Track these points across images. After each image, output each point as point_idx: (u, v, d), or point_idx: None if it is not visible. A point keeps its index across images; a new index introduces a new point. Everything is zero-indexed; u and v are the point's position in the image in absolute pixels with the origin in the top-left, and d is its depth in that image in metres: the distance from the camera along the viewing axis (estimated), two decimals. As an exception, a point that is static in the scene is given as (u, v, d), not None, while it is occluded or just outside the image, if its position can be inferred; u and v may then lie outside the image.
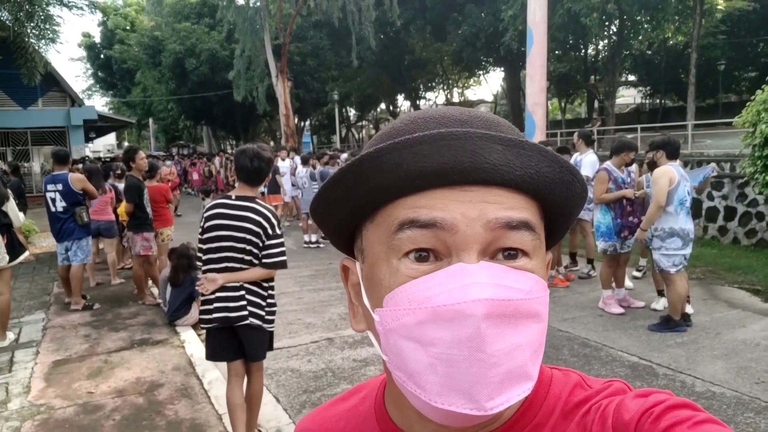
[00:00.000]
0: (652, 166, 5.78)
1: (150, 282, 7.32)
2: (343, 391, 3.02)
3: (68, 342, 5.55)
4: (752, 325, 5.64)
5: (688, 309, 5.97)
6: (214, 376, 4.52)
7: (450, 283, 0.49)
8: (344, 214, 0.58)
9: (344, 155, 13.65)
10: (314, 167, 11.40)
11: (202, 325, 3.39)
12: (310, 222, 11.11)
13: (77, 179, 6.63)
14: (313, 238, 11.13)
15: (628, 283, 6.80)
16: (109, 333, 5.82)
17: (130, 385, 4.48)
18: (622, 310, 6.08)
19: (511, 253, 0.52)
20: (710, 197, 10.17)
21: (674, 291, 5.46)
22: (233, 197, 3.29)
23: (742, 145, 7.65)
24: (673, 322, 5.51)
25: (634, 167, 6.75)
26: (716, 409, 3.93)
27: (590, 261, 7.63)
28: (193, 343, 5.40)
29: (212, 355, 3.43)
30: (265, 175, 3.37)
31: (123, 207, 6.83)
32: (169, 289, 6.37)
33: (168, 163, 21.65)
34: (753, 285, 7.15)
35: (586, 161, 7.91)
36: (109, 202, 8.05)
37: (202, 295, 3.29)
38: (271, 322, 3.38)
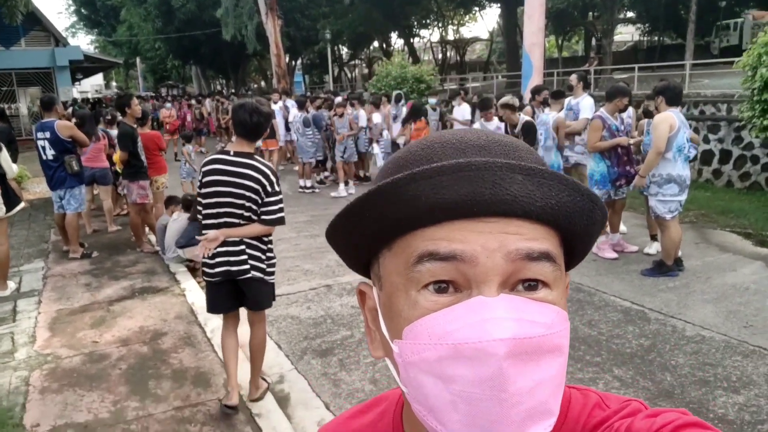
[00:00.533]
0: (648, 114, 5.73)
1: (147, 229, 7.34)
2: (343, 338, 3.10)
3: (69, 291, 5.61)
4: (742, 269, 5.76)
5: (649, 250, 6.12)
6: (216, 324, 4.59)
7: (470, 317, 0.49)
8: (361, 243, 0.57)
9: (339, 98, 13.39)
10: (308, 111, 11.23)
11: (205, 278, 3.43)
12: (305, 167, 11.07)
13: (64, 126, 6.50)
14: (308, 183, 11.10)
15: (622, 227, 6.87)
16: (109, 281, 5.88)
17: (134, 334, 4.57)
18: (615, 255, 6.18)
19: (531, 284, 0.52)
20: (706, 140, 10.15)
21: (668, 236, 5.54)
22: (231, 153, 3.26)
23: (742, 87, 7.58)
24: (665, 267, 5.62)
25: (630, 112, 6.69)
26: (705, 352, 4.07)
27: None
28: (194, 291, 5.48)
29: (212, 307, 3.49)
30: (264, 130, 3.33)
31: (118, 155, 6.74)
32: (168, 234, 6.41)
33: (168, 105, 21.20)
34: (744, 228, 7.25)
35: (585, 104, 7.82)
36: (103, 148, 7.96)
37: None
38: (272, 274, 3.44)
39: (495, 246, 0.50)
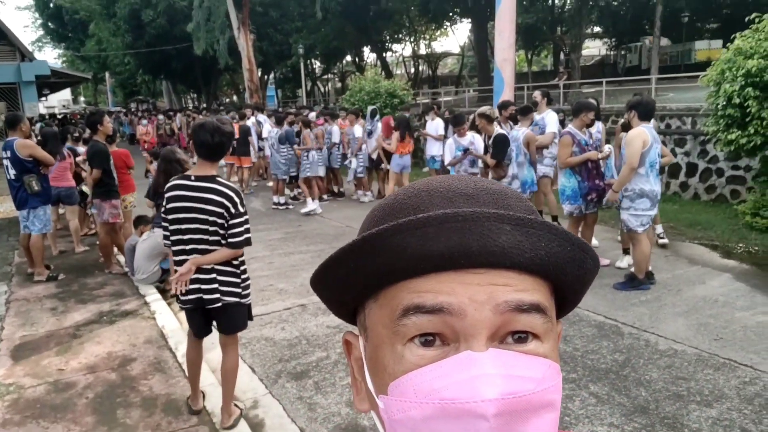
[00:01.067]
0: (627, 127, 5.84)
1: (115, 250, 7.17)
2: (318, 359, 3.05)
3: (34, 316, 5.43)
4: (711, 282, 5.86)
5: (624, 263, 6.24)
6: (188, 348, 4.49)
7: (458, 374, 0.47)
8: (345, 294, 0.56)
9: (312, 114, 13.34)
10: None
11: (181, 306, 3.38)
12: (280, 183, 10.98)
13: (23, 145, 6.30)
14: (282, 200, 11.01)
15: (594, 241, 6.96)
16: (76, 305, 5.70)
17: (102, 360, 4.43)
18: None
19: (521, 336, 0.50)
20: (673, 153, 10.36)
21: (640, 250, 5.62)
22: (192, 178, 3.21)
23: (706, 102, 7.77)
24: (637, 281, 5.69)
25: (599, 126, 6.81)
26: (678, 366, 4.11)
27: (555, 218, 7.74)
28: (164, 314, 5.34)
29: (198, 333, 3.49)
30: (226, 149, 3.29)
31: (90, 173, 6.56)
32: (137, 254, 6.26)
33: (144, 122, 20.37)
34: (711, 240, 7.40)
35: (550, 119, 7.97)
36: (69, 167, 7.77)
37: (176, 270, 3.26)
38: (248, 295, 3.40)
39: (483, 298, 0.48)
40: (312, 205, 10.28)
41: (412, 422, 0.48)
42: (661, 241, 7.04)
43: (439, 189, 0.54)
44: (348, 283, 0.54)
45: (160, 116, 21.50)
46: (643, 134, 5.40)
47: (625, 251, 6.40)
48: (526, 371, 0.48)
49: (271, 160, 11.23)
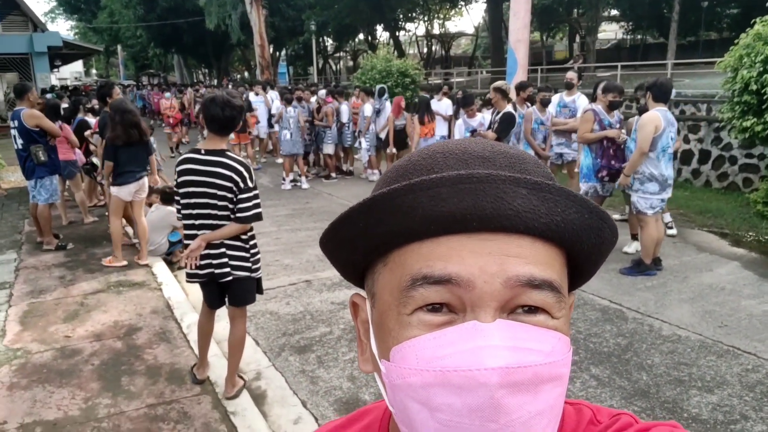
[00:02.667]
0: (644, 111, 5.78)
1: (124, 222, 7.21)
2: (322, 335, 3.05)
3: (42, 283, 5.49)
4: (718, 269, 5.82)
5: (632, 248, 6.21)
6: (193, 320, 4.53)
7: (462, 343, 0.46)
8: (355, 254, 0.55)
9: (322, 92, 13.21)
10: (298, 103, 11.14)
11: (188, 280, 3.42)
12: (290, 160, 10.97)
13: (30, 116, 6.32)
14: (291, 177, 11.00)
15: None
16: (84, 274, 5.76)
17: (108, 328, 4.49)
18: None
19: (531, 308, 0.49)
20: (686, 140, 10.24)
21: (648, 234, 5.59)
22: (203, 151, 3.21)
23: (722, 89, 7.64)
24: (644, 266, 5.66)
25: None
26: (681, 352, 4.10)
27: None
28: (170, 285, 5.39)
29: (211, 304, 3.54)
30: (237, 123, 3.27)
31: (100, 144, 6.57)
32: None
33: (167, 95, 19.35)
34: (721, 228, 7.34)
35: (582, 102, 7.91)
36: (64, 141, 7.73)
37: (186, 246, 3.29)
38: (258, 269, 3.42)
39: (494, 270, 0.47)
40: (290, 182, 10.49)
41: (412, 389, 0.48)
42: (669, 231, 6.88)
43: (455, 151, 0.52)
44: (357, 243, 0.53)
45: (189, 90, 20.68)
46: (656, 119, 5.33)
47: (634, 237, 6.36)
48: (535, 344, 0.47)
49: (286, 140, 11.17)
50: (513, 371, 0.45)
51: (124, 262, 6.05)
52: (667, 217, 6.92)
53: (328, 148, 11.12)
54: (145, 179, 6.05)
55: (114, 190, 5.89)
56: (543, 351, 0.47)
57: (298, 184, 10.90)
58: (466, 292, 0.47)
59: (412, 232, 0.48)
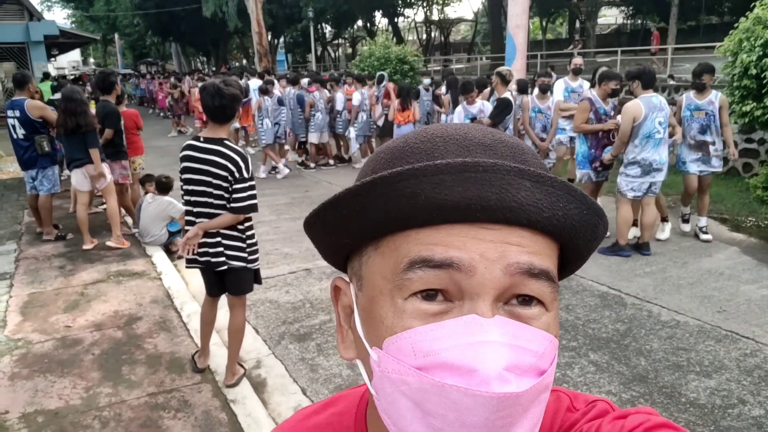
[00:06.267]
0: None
1: (123, 211, 7.21)
2: (322, 323, 3.06)
3: (42, 274, 5.50)
4: (718, 254, 5.83)
5: (661, 235, 6.18)
6: (193, 309, 4.55)
7: (461, 337, 0.45)
8: (345, 238, 0.53)
9: (304, 80, 12.82)
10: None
11: (188, 266, 3.44)
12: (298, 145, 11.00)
13: (34, 106, 6.31)
14: (282, 163, 11.01)
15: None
16: (84, 264, 5.77)
17: (108, 318, 4.50)
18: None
19: (526, 299, 0.48)
20: (686, 125, 10.20)
21: (621, 215, 5.81)
22: (202, 140, 3.22)
23: (722, 73, 7.59)
24: (617, 246, 5.82)
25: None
26: (679, 337, 4.12)
27: (571, 180, 7.69)
28: (170, 275, 5.40)
29: (210, 292, 3.55)
30: (231, 112, 3.25)
31: (106, 133, 6.54)
32: (143, 217, 6.30)
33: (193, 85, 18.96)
34: (721, 214, 7.34)
35: (588, 87, 7.87)
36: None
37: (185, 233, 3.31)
38: (255, 260, 3.41)
39: (495, 256, 0.46)
40: (265, 171, 10.55)
41: (407, 386, 0.47)
42: (703, 236, 6.22)
43: (455, 136, 0.51)
44: (350, 226, 0.51)
45: (187, 78, 20.09)
46: (636, 109, 5.49)
47: (664, 219, 6.37)
48: (530, 344, 0.47)
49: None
50: (514, 396, 0.44)
51: (127, 244, 6.17)
52: (703, 221, 6.29)
53: (313, 137, 11.12)
54: (91, 168, 6.09)
55: (71, 177, 6.27)
56: (537, 352, 0.47)
57: (274, 173, 10.81)
58: (466, 277, 0.46)
59: (412, 219, 0.47)
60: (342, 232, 0.53)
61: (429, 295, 0.47)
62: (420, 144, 0.51)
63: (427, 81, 11.71)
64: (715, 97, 6.07)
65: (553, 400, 0.59)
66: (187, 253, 3.29)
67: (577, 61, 8.39)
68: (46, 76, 18.82)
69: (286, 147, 12.19)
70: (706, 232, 6.25)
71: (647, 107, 5.47)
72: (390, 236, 0.49)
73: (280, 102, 10.77)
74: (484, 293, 0.46)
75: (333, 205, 0.51)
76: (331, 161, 11.54)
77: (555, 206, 0.47)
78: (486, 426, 0.44)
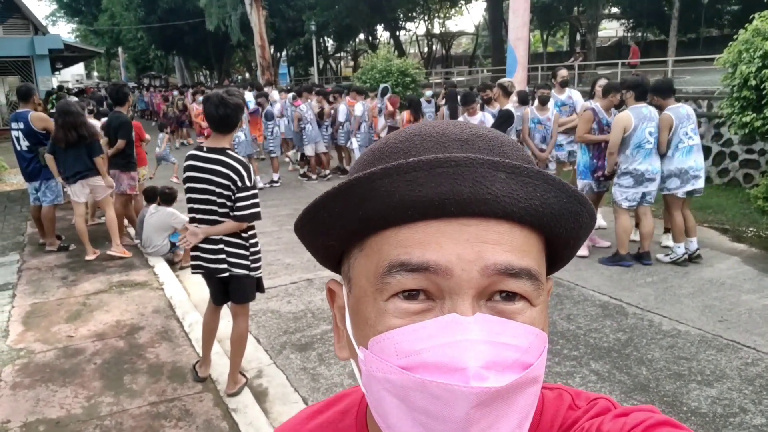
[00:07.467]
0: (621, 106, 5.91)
1: (126, 222, 7.24)
2: (323, 332, 3.06)
3: (45, 284, 5.52)
4: (719, 264, 5.83)
5: (669, 242, 6.14)
6: (195, 318, 4.56)
7: (442, 337, 0.45)
8: (331, 240, 0.54)
9: (290, 95, 12.87)
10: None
11: (193, 271, 3.48)
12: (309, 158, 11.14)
13: (38, 118, 6.39)
14: (275, 177, 11.07)
15: (602, 222, 6.94)
16: (86, 275, 5.79)
17: (110, 328, 4.51)
18: (585, 253, 6.17)
19: (509, 295, 0.48)
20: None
21: (620, 225, 5.84)
22: (204, 149, 3.27)
23: (722, 85, 7.63)
24: (618, 256, 5.85)
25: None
26: (680, 346, 4.11)
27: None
28: (172, 285, 5.41)
29: (215, 300, 3.57)
30: (233, 122, 3.30)
31: (118, 144, 6.58)
32: (145, 228, 6.33)
33: (200, 99, 19.09)
34: (722, 224, 7.34)
35: (578, 97, 7.91)
36: None
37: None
38: (258, 268, 3.44)
39: (472, 257, 0.46)
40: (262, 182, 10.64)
41: (390, 384, 0.48)
42: (694, 259, 5.86)
43: (432, 133, 0.52)
44: (333, 228, 0.52)
45: (190, 91, 20.40)
46: (626, 120, 5.57)
47: (667, 230, 6.37)
48: (512, 339, 0.47)
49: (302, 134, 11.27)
50: (493, 391, 0.44)
51: (128, 254, 6.21)
52: (694, 245, 5.88)
53: (307, 149, 11.20)
54: (96, 179, 6.13)
55: (67, 189, 6.26)
56: (520, 347, 0.47)
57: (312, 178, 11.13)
58: (444, 279, 0.46)
59: (389, 218, 0.48)
60: (326, 235, 0.53)
61: (411, 294, 0.48)
62: (398, 143, 0.52)
63: (429, 93, 11.78)
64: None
65: (554, 397, 0.60)
66: (187, 245, 3.34)
67: (563, 73, 8.32)
68: (60, 89, 18.96)
69: (287, 159, 12.26)
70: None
71: (637, 118, 5.55)
72: (373, 237, 0.50)
73: (267, 116, 10.89)
74: (462, 292, 0.47)
75: (316, 208, 0.52)
76: (326, 171, 11.56)
77: (531, 196, 0.47)
78: (467, 420, 0.44)
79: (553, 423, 0.58)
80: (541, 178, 0.48)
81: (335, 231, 0.52)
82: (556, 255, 0.54)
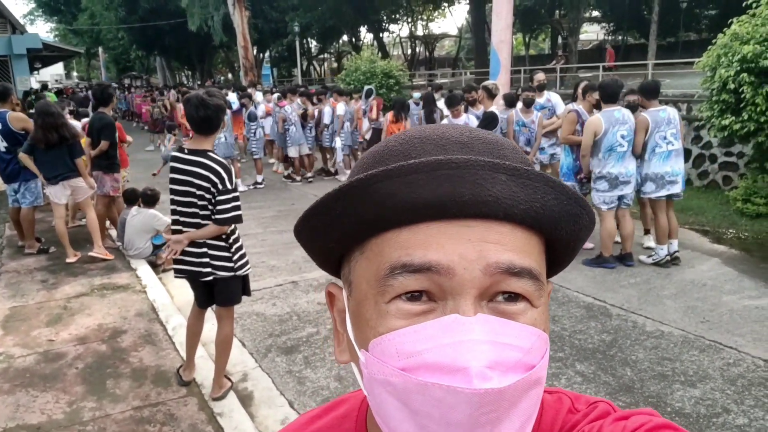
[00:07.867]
0: (634, 108, 5.91)
1: (108, 224, 7.14)
2: (309, 335, 3.04)
3: (24, 287, 5.42)
4: (700, 266, 5.91)
5: (650, 243, 6.23)
6: (178, 322, 4.51)
7: (443, 337, 0.45)
8: (331, 242, 0.53)
9: (275, 95, 12.85)
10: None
11: (176, 275, 3.43)
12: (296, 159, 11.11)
13: (16, 119, 6.28)
14: (258, 178, 11.01)
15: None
16: (67, 278, 5.70)
17: (92, 332, 4.44)
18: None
19: (511, 296, 0.48)
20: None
21: (603, 228, 5.88)
22: (186, 151, 3.23)
23: (701, 88, 7.76)
24: (601, 258, 5.89)
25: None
26: (664, 347, 4.16)
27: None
28: (155, 288, 5.35)
29: (199, 303, 3.54)
30: (215, 123, 3.26)
31: (102, 145, 6.47)
32: (127, 230, 6.24)
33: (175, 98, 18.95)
34: (702, 226, 7.45)
35: (557, 100, 7.98)
36: None
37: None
38: (243, 266, 3.40)
39: (473, 256, 0.46)
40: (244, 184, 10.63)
41: (392, 386, 0.47)
42: (674, 263, 5.88)
43: (432, 136, 0.52)
44: (333, 231, 0.52)
45: (171, 91, 20.23)
46: (596, 123, 5.64)
47: (647, 231, 6.47)
48: (515, 340, 0.47)
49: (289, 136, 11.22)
50: (496, 392, 0.44)
51: (110, 256, 6.15)
52: (674, 246, 5.90)
53: (291, 151, 11.19)
54: (78, 180, 6.06)
55: (47, 190, 6.15)
56: (523, 347, 0.47)
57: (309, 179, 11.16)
58: (446, 279, 0.46)
59: (390, 220, 0.48)
60: (327, 237, 0.53)
61: (413, 296, 0.48)
62: (398, 146, 0.52)
63: (417, 95, 11.80)
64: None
65: (554, 401, 0.60)
66: (173, 254, 3.28)
67: (539, 76, 8.35)
68: (44, 87, 18.62)
69: (271, 160, 12.18)
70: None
71: (608, 121, 5.60)
72: (374, 239, 0.50)
73: (251, 117, 10.86)
74: (465, 292, 0.47)
75: (316, 211, 0.52)
76: (309, 174, 11.53)
77: (532, 198, 0.47)
78: (470, 422, 0.44)
79: (553, 426, 0.57)
80: (541, 180, 0.48)
81: (335, 234, 0.52)
82: (556, 257, 0.54)
